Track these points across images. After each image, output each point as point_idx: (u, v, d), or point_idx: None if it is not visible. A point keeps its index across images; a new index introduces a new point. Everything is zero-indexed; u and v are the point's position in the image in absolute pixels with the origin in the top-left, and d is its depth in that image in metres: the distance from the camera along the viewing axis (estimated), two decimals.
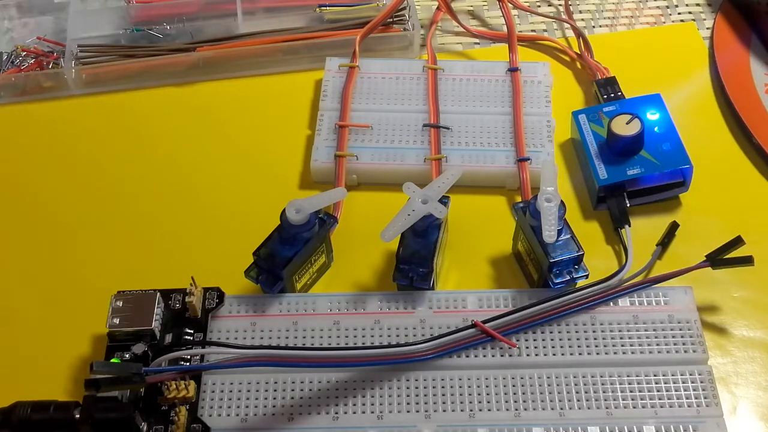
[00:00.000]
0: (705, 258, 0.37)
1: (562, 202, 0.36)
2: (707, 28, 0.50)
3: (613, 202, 0.40)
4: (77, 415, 0.32)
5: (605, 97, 0.44)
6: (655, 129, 0.41)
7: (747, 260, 0.36)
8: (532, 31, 0.51)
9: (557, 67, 0.48)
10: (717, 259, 0.37)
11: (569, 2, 0.51)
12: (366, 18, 0.49)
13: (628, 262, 0.37)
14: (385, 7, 0.49)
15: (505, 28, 0.48)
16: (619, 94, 0.44)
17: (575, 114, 0.43)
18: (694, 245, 0.38)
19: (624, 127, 0.40)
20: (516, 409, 0.34)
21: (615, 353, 0.35)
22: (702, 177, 0.41)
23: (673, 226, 0.40)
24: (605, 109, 0.43)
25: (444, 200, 0.37)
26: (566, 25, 0.50)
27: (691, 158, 0.40)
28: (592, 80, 0.46)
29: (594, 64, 0.46)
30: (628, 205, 0.40)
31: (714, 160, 0.43)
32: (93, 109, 0.47)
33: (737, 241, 0.36)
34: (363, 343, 0.36)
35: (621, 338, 0.35)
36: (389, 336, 0.36)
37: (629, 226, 0.39)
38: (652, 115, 0.42)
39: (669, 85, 0.46)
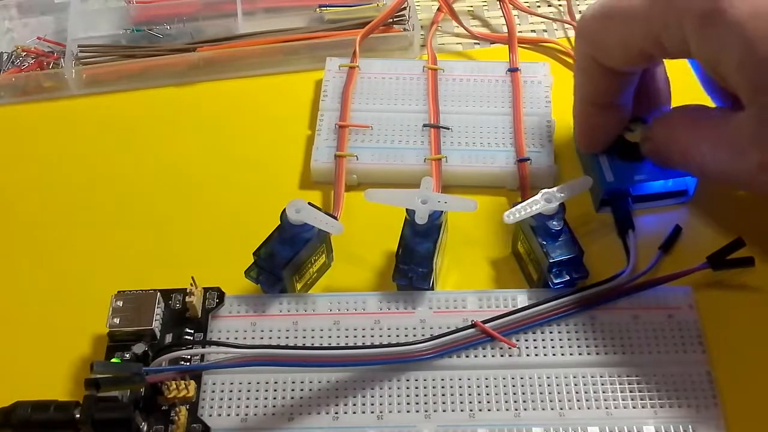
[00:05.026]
0: (706, 260, 0.37)
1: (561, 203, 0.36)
2: None
3: (618, 205, 0.40)
4: (77, 415, 0.32)
5: None
6: None
7: (748, 261, 0.36)
8: (533, 31, 0.51)
9: (559, 68, 0.48)
10: (718, 261, 0.37)
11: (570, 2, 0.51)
12: (366, 18, 0.49)
13: (630, 265, 0.37)
14: (386, 8, 0.49)
15: (505, 29, 0.48)
16: None
17: None
18: (696, 249, 0.38)
19: (631, 132, 0.40)
20: (516, 409, 0.34)
21: (615, 353, 0.35)
22: (706, 182, 0.41)
23: (676, 231, 0.39)
24: None
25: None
26: (567, 26, 0.50)
27: None
28: None
29: None
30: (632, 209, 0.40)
31: None
32: (93, 109, 0.47)
33: (738, 243, 0.36)
34: (363, 343, 0.36)
35: (621, 338, 0.35)
36: (389, 336, 0.36)
37: (633, 230, 0.39)
38: None
39: (674, 87, 0.45)
